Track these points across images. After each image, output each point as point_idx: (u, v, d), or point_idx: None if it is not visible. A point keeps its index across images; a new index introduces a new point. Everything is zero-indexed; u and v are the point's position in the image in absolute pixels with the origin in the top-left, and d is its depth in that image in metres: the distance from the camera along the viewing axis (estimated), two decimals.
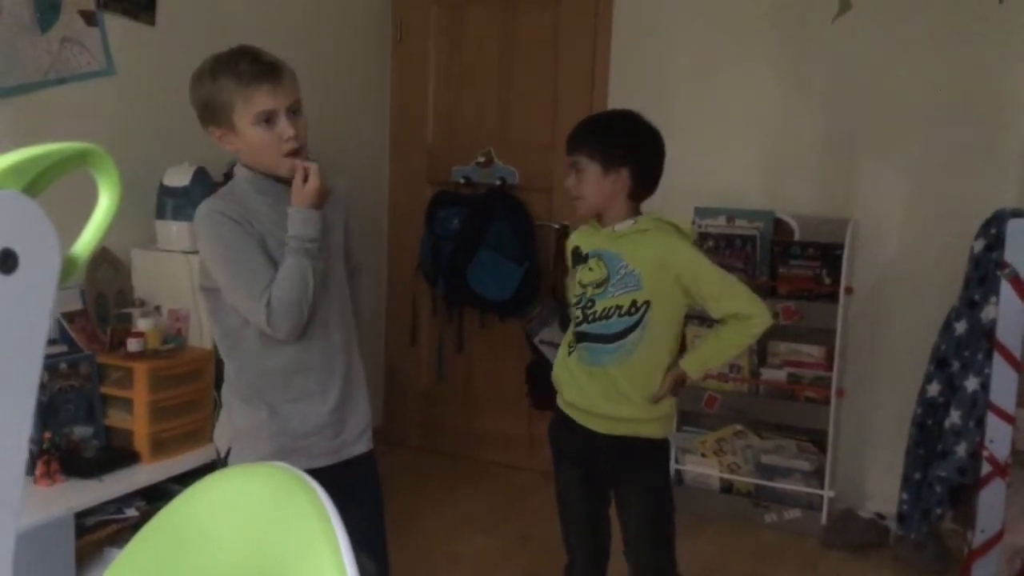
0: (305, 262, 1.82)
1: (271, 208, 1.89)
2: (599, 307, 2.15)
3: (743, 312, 2.08)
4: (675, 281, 2.11)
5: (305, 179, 1.84)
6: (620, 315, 2.13)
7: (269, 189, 1.90)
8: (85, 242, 0.61)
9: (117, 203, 0.60)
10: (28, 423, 0.51)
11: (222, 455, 2.00)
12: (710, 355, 2.19)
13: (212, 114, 1.85)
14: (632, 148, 2.15)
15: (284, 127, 1.83)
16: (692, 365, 2.15)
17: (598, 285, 2.16)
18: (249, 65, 1.82)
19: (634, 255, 2.12)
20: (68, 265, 0.57)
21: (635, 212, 2.19)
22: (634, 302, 2.11)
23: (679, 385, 2.19)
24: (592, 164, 2.13)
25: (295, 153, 1.85)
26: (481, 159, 3.96)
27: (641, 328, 2.12)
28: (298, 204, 1.84)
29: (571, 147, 2.18)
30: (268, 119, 1.83)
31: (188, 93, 1.90)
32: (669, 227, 2.16)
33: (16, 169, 0.51)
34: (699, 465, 3.61)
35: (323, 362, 1.95)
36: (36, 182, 0.54)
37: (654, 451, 2.23)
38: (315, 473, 1.87)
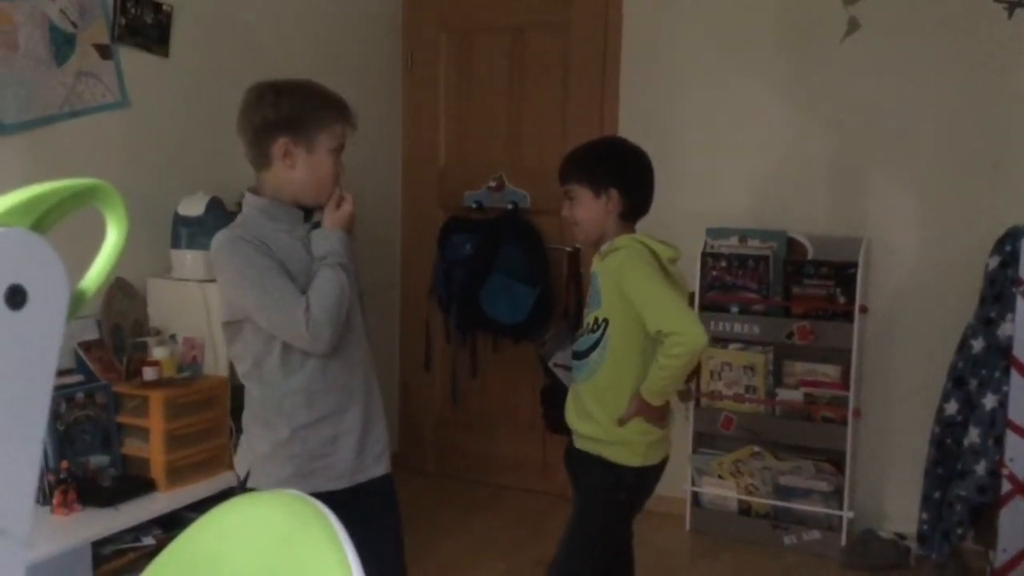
0: (342, 275, 1.89)
1: (287, 234, 1.94)
2: (583, 325, 2.26)
3: (666, 330, 2.05)
4: (626, 298, 2.12)
5: (338, 206, 1.96)
6: (588, 332, 2.21)
7: (284, 216, 1.95)
8: (93, 276, 0.62)
9: (125, 238, 0.61)
10: (37, 455, 0.52)
11: (241, 479, 2.01)
12: (652, 378, 2.12)
13: (298, 128, 1.91)
14: (618, 168, 2.23)
15: (341, 162, 1.98)
16: (645, 391, 2.14)
17: (587, 304, 2.28)
18: (337, 100, 1.97)
19: (604, 274, 2.19)
20: (76, 299, 0.58)
21: (626, 232, 2.23)
22: (596, 319, 2.19)
23: (648, 412, 2.15)
24: (583, 189, 2.20)
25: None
26: (492, 184, 3.98)
27: (602, 347, 2.16)
28: (330, 226, 1.94)
29: (562, 178, 2.25)
30: (337, 152, 1.96)
31: (257, 102, 1.94)
32: (638, 246, 2.16)
33: (24, 207, 0.53)
34: (716, 487, 3.59)
35: (344, 382, 1.98)
36: (45, 219, 0.55)
37: (606, 473, 2.20)
38: (334, 496, 1.90)
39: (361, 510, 1.93)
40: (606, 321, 2.16)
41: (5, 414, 0.49)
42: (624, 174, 2.22)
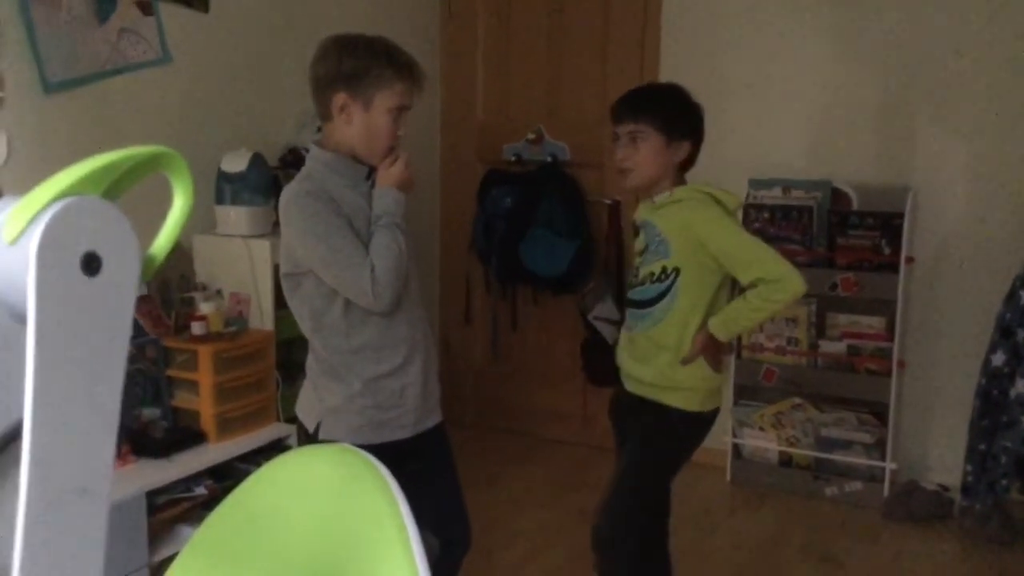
0: (399, 236, 1.92)
1: (351, 190, 1.96)
2: (642, 273, 2.20)
3: (769, 276, 2.04)
4: (703, 249, 2.09)
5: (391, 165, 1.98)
6: (652, 281, 2.16)
7: (347, 171, 1.97)
8: (162, 241, 0.63)
9: (191, 203, 0.63)
10: (116, 417, 0.54)
11: (311, 431, 2.07)
12: (734, 315, 2.11)
13: (355, 84, 1.92)
14: (696, 122, 2.18)
15: (400, 125, 1.97)
16: (716, 324, 2.11)
17: (640, 253, 2.22)
18: (405, 60, 1.95)
19: (667, 224, 2.14)
20: (147, 264, 0.60)
21: (680, 183, 2.20)
22: (664, 269, 2.14)
23: (712, 349, 2.13)
24: (655, 134, 2.13)
25: (393, 148, 1.99)
26: (532, 136, 3.96)
27: (671, 296, 2.13)
28: (385, 184, 1.96)
29: (630, 114, 2.15)
30: (397, 112, 1.95)
31: (323, 55, 1.94)
32: (704, 196, 2.14)
33: (98, 174, 0.54)
34: (757, 439, 3.60)
35: (408, 335, 2.02)
36: (114, 187, 0.56)
37: (661, 419, 2.20)
38: (398, 445, 1.96)
39: (424, 457, 2.04)
40: (676, 270, 2.12)
41: (85, 378, 0.51)
42: (699, 129, 2.19)
